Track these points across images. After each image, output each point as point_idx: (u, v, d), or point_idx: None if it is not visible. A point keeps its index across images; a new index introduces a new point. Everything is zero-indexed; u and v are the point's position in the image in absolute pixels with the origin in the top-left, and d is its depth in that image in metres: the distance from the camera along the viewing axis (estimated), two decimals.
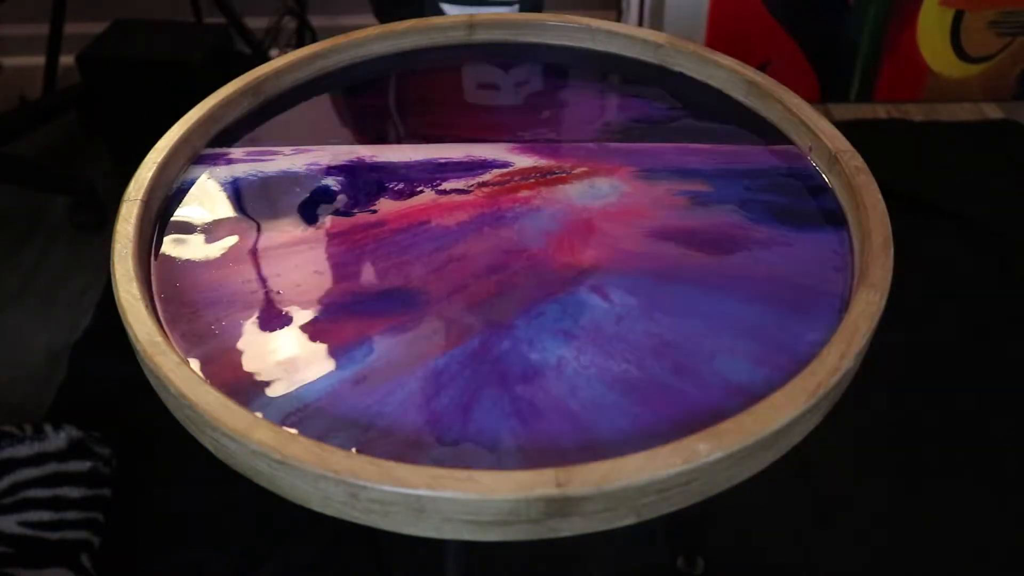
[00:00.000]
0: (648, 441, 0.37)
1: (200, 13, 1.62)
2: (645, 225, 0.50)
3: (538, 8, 0.80)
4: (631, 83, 0.62)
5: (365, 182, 0.53)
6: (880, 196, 0.48)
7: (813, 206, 0.51)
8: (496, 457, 0.37)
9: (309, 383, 0.40)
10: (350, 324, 0.44)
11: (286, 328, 0.43)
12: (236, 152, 0.55)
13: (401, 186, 0.53)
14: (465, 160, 0.55)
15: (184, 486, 1.03)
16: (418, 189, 0.52)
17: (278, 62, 0.60)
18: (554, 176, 0.53)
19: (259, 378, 0.41)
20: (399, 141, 0.57)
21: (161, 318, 0.43)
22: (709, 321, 0.44)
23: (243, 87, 0.58)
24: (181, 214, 0.51)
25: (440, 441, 0.38)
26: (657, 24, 1.64)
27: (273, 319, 0.44)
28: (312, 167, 0.54)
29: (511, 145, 0.56)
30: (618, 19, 1.64)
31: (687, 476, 0.35)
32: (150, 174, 0.50)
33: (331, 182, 0.53)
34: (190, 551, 0.98)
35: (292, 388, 0.40)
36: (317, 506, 0.36)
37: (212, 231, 0.50)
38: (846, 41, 1.69)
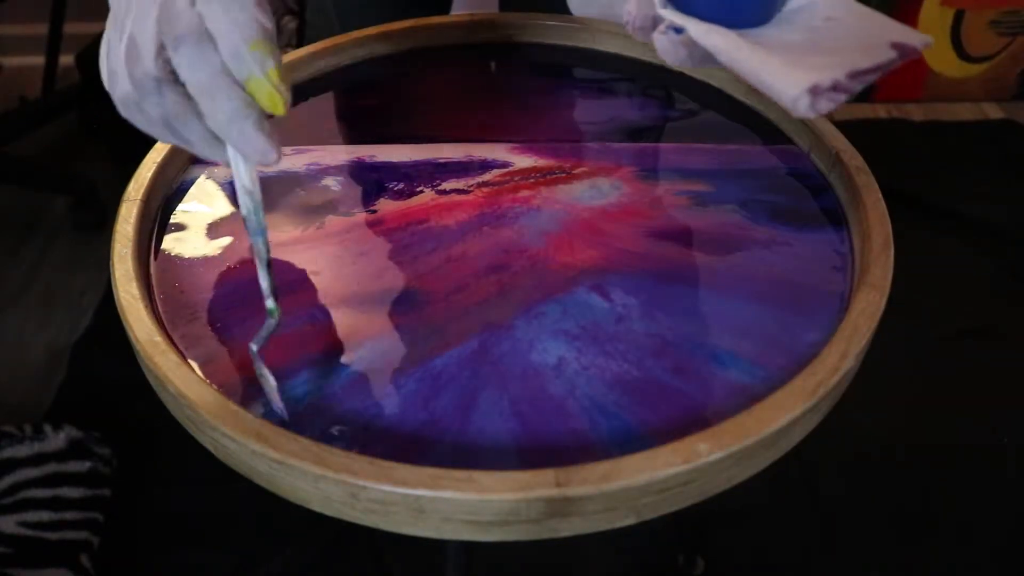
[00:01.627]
0: (648, 441, 0.37)
1: None
2: (645, 225, 0.50)
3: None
4: (631, 83, 0.62)
5: (365, 182, 0.53)
6: (880, 196, 0.48)
7: (813, 206, 0.51)
8: (496, 458, 0.37)
9: (308, 383, 0.40)
10: (350, 324, 0.44)
11: (285, 329, 0.43)
12: None
13: (401, 186, 0.53)
14: (465, 160, 0.55)
15: (184, 486, 1.03)
16: (418, 189, 0.52)
17: None
18: (554, 176, 0.53)
19: (258, 379, 0.41)
20: (399, 141, 0.57)
21: (161, 318, 0.43)
22: (709, 321, 0.43)
23: None
24: (181, 214, 0.51)
25: (440, 442, 0.38)
26: None
27: None
28: (312, 167, 0.54)
29: (511, 145, 0.56)
30: None
31: (687, 476, 0.35)
32: (150, 174, 0.50)
33: (331, 182, 0.53)
34: (190, 551, 0.98)
35: (291, 388, 0.40)
36: (317, 506, 0.36)
37: (212, 231, 0.49)
38: None
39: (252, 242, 0.38)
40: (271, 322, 0.39)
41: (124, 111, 0.38)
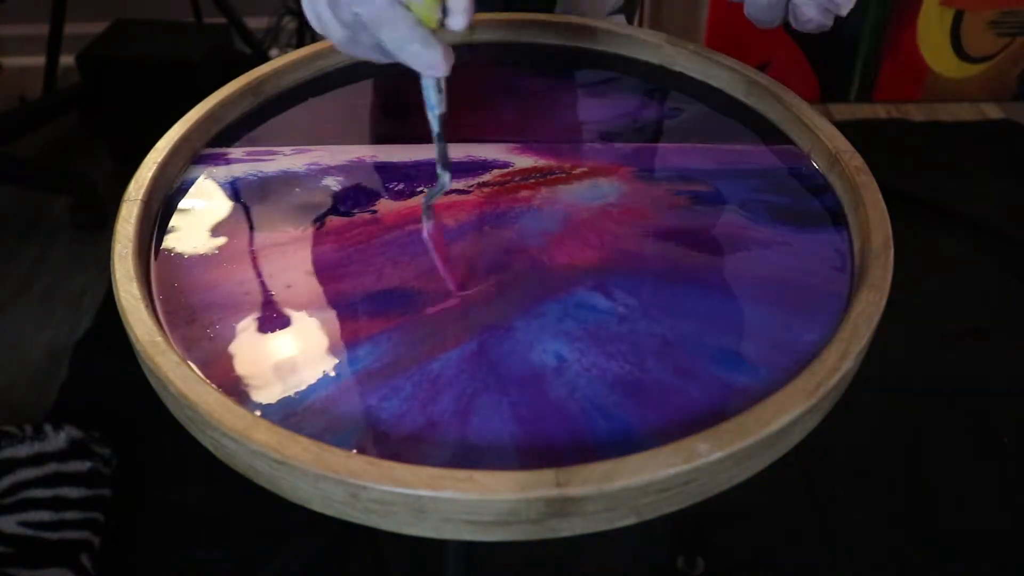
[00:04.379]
0: (648, 441, 0.37)
1: (200, 13, 1.62)
2: (645, 225, 0.50)
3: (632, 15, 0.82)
4: (631, 83, 0.62)
5: (365, 182, 0.53)
6: (880, 196, 0.48)
7: (813, 206, 0.51)
8: (496, 459, 0.37)
9: (307, 384, 0.40)
10: (349, 325, 0.44)
11: (285, 329, 0.43)
12: (236, 152, 0.55)
13: (401, 186, 0.53)
14: (465, 160, 0.55)
15: (184, 486, 1.03)
16: (418, 189, 0.52)
17: (278, 62, 0.60)
18: (554, 176, 0.53)
19: (258, 379, 0.41)
20: (399, 141, 0.57)
21: (161, 318, 0.43)
22: (709, 321, 0.44)
23: (243, 87, 0.58)
24: (181, 214, 0.51)
25: (439, 444, 0.38)
26: (657, 24, 1.64)
27: (272, 320, 0.44)
28: (312, 167, 0.54)
29: (511, 145, 0.56)
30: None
31: (687, 476, 0.35)
32: (150, 174, 0.50)
33: (331, 182, 0.53)
34: (190, 551, 0.98)
35: (290, 389, 0.40)
36: (318, 506, 0.36)
37: (212, 231, 0.50)
38: (846, 41, 1.69)
39: (429, 115, 0.44)
40: (440, 184, 0.46)
41: (345, 49, 0.44)
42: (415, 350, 0.42)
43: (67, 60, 1.56)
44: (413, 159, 0.55)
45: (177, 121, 0.54)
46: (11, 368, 1.20)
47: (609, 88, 0.62)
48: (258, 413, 0.38)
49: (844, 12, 0.46)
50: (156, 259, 0.47)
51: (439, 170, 0.46)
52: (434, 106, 0.44)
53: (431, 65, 0.41)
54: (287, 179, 0.53)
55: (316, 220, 0.50)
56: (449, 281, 0.46)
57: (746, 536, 0.99)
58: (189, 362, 0.41)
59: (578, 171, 0.54)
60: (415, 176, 0.53)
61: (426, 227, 0.48)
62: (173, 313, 0.44)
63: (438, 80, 0.43)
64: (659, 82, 0.62)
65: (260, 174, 0.54)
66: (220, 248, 0.48)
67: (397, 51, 0.41)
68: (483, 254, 0.48)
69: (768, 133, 0.56)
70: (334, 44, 0.44)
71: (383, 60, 0.43)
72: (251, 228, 0.50)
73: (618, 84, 0.62)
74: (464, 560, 0.79)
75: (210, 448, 0.39)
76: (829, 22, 0.47)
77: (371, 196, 0.52)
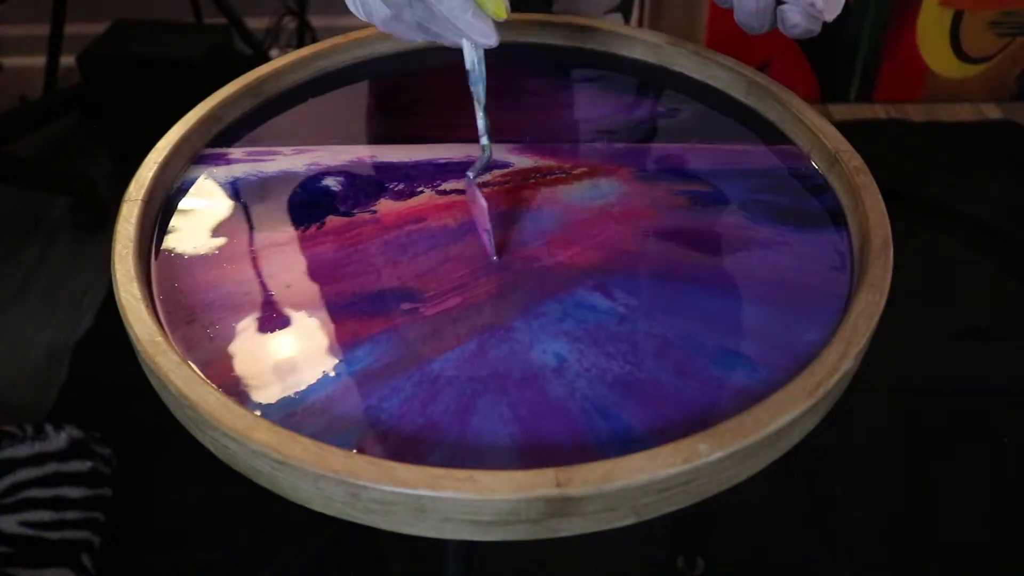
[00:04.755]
0: (648, 441, 0.37)
1: (200, 13, 1.62)
2: (645, 225, 0.50)
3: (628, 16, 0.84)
4: (631, 83, 0.62)
5: (365, 182, 0.53)
6: (880, 196, 0.48)
7: (813, 206, 0.51)
8: (495, 459, 0.37)
9: (307, 384, 0.40)
10: (348, 325, 0.44)
11: (284, 329, 0.43)
12: (236, 152, 0.55)
13: (401, 186, 0.53)
14: (465, 160, 0.55)
15: (184, 486, 1.03)
16: (418, 189, 0.52)
17: (278, 62, 0.60)
18: (554, 176, 0.53)
19: (258, 379, 0.41)
20: (399, 141, 0.57)
21: (161, 318, 0.43)
22: (709, 321, 0.44)
23: (243, 87, 0.58)
24: (181, 214, 0.51)
25: (439, 444, 0.38)
26: (657, 24, 1.64)
27: (272, 320, 0.44)
28: (312, 167, 0.54)
29: (511, 145, 0.56)
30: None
31: (687, 476, 0.35)
32: (151, 174, 0.50)
33: (331, 182, 0.53)
34: (190, 551, 0.98)
35: (290, 389, 0.40)
36: (318, 506, 0.36)
37: (212, 231, 0.50)
38: (846, 41, 1.69)
39: (473, 89, 0.48)
40: (484, 156, 0.49)
41: (385, 28, 0.47)
42: (415, 350, 0.42)
43: (67, 60, 1.56)
44: (413, 159, 0.55)
45: (177, 121, 0.54)
46: (11, 368, 1.20)
47: (609, 88, 0.62)
48: (258, 413, 0.38)
49: (829, 18, 0.46)
50: (156, 259, 0.47)
51: (484, 141, 0.49)
52: (480, 78, 0.47)
53: (485, 34, 0.44)
54: (287, 179, 0.53)
55: (316, 220, 0.50)
56: (489, 247, 0.48)
57: (746, 536, 0.99)
58: (189, 362, 0.41)
59: (578, 171, 0.54)
60: (415, 176, 0.54)
61: (473, 196, 0.49)
62: (173, 313, 0.44)
63: (482, 52, 0.46)
64: (659, 82, 0.62)
65: (260, 174, 0.54)
66: (220, 248, 0.48)
67: (452, 20, 0.44)
68: (483, 254, 0.48)
69: (768, 133, 0.57)
70: (376, 23, 0.47)
71: (419, 39, 0.47)
72: (251, 228, 0.50)
73: (618, 84, 0.62)
74: (464, 560, 0.79)
75: (210, 448, 0.39)
76: (816, 28, 0.47)
77: (371, 196, 0.52)
